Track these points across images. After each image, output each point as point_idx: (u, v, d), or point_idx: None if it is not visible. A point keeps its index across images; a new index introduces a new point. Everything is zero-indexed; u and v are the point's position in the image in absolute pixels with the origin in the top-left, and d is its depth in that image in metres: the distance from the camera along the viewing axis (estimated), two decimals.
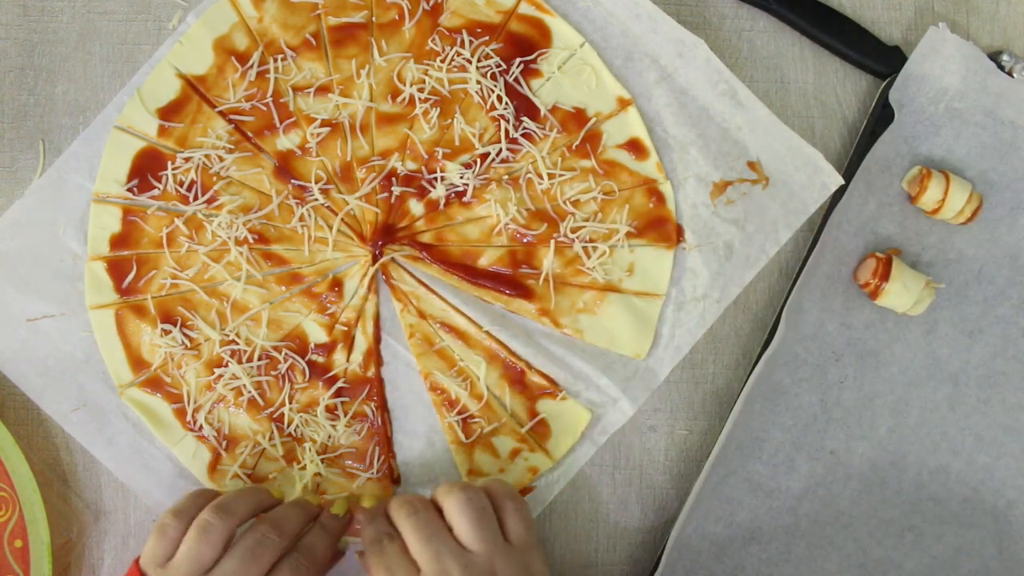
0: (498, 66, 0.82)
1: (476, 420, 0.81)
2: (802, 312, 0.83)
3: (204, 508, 0.72)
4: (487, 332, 0.81)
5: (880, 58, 0.86)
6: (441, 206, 0.82)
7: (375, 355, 0.81)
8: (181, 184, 0.80)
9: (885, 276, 0.81)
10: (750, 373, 0.81)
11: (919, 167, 0.84)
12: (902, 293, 0.81)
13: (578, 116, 0.83)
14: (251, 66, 0.81)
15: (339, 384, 0.81)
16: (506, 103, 0.82)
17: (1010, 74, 0.85)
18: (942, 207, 0.82)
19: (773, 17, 0.87)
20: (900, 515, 0.84)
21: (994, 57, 0.85)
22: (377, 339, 0.82)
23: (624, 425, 0.82)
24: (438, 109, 0.82)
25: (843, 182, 0.82)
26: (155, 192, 0.80)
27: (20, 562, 0.77)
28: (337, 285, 0.81)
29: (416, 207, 0.82)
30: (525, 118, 0.82)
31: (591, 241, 0.82)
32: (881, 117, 0.84)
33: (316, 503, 0.78)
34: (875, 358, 0.84)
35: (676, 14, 0.84)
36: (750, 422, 0.82)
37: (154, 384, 0.80)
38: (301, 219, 0.81)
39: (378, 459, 0.81)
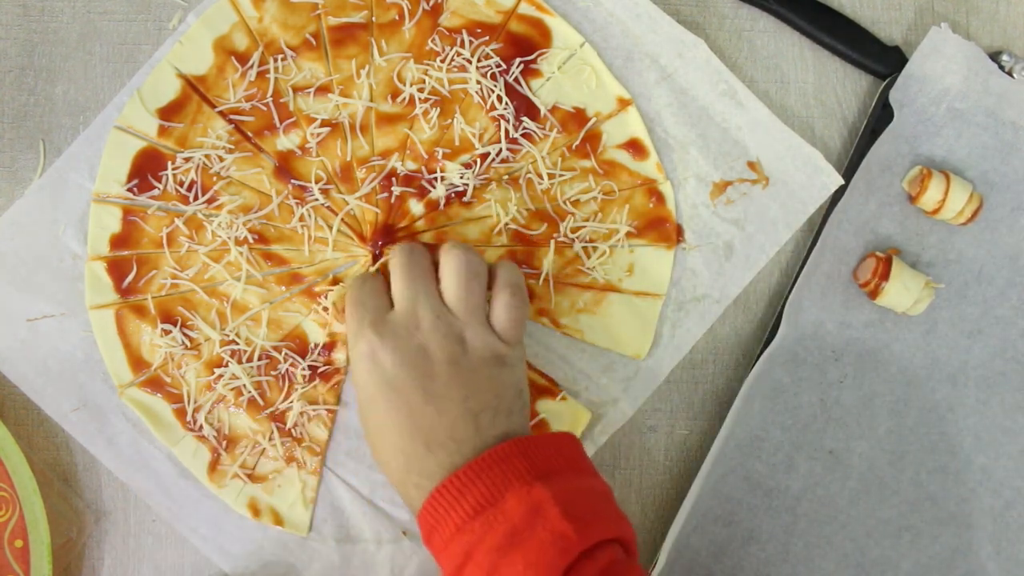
0: (498, 66, 0.82)
1: None
2: (802, 311, 0.83)
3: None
4: None
5: (880, 58, 0.86)
6: (441, 206, 0.82)
7: None
8: (181, 184, 0.80)
9: (885, 276, 0.81)
10: (750, 372, 0.81)
11: (920, 167, 0.84)
12: (902, 293, 0.81)
13: (578, 116, 0.83)
14: (251, 66, 0.81)
15: (339, 379, 0.81)
16: (506, 103, 0.82)
17: (1010, 74, 0.85)
18: (942, 207, 0.82)
19: (773, 17, 0.87)
20: (898, 515, 0.84)
21: (994, 57, 0.85)
22: None
23: (624, 425, 0.82)
24: (438, 109, 0.82)
25: (843, 182, 0.82)
26: (155, 192, 0.80)
27: (20, 562, 0.77)
28: (337, 285, 0.81)
29: (416, 207, 0.82)
30: (525, 118, 0.82)
31: (591, 241, 0.82)
32: (881, 117, 0.84)
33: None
34: (874, 358, 0.84)
35: (676, 14, 0.84)
36: (749, 421, 0.82)
37: (154, 384, 0.80)
38: (301, 219, 0.81)
39: None
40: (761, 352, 0.82)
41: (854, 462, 0.84)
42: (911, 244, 0.85)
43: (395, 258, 0.72)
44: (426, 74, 0.82)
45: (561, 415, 0.81)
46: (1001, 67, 0.85)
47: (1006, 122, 0.85)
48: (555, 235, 0.82)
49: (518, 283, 0.74)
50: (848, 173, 0.83)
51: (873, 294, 0.82)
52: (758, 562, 0.83)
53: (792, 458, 0.83)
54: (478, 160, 0.82)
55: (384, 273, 0.77)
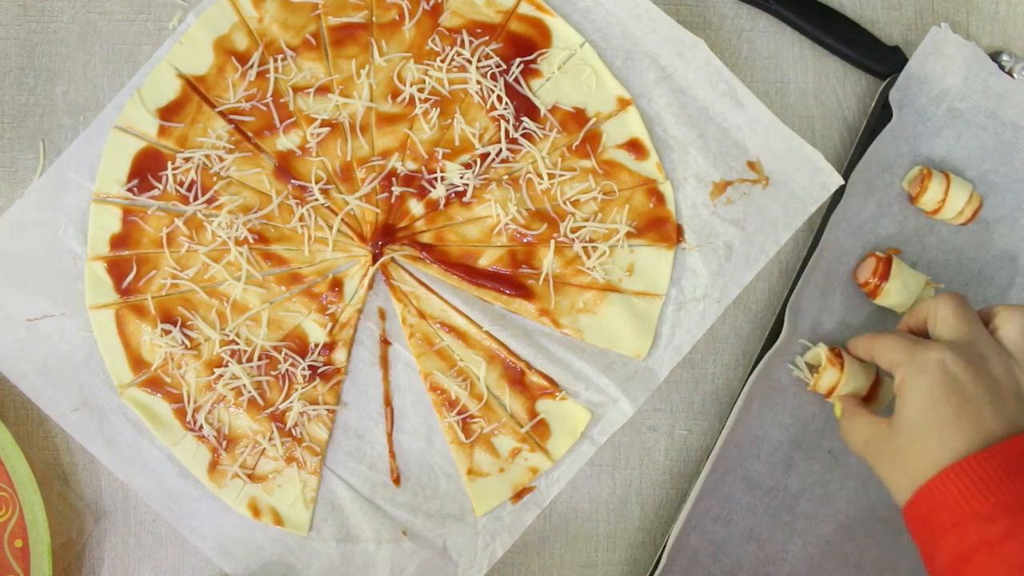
0: (498, 66, 0.82)
1: (476, 420, 0.81)
2: (802, 311, 0.83)
3: None
4: (487, 332, 0.81)
5: (880, 58, 0.86)
6: (441, 206, 0.82)
7: (383, 356, 0.82)
8: (181, 184, 0.80)
9: (885, 275, 0.81)
10: (750, 372, 0.81)
11: (920, 167, 0.84)
12: (902, 293, 0.81)
13: (578, 116, 0.83)
14: (251, 66, 0.81)
15: (339, 379, 0.81)
16: (506, 103, 0.82)
17: (1010, 74, 0.85)
18: (942, 207, 0.82)
19: (773, 17, 0.87)
20: (897, 515, 0.83)
21: (994, 57, 0.86)
22: (384, 340, 0.82)
23: (624, 425, 0.81)
24: (438, 109, 0.82)
25: (843, 182, 0.82)
26: (155, 192, 0.80)
27: (20, 562, 0.77)
28: (337, 285, 0.81)
29: (416, 207, 0.82)
30: (525, 118, 0.82)
31: (591, 241, 0.82)
32: (881, 117, 0.84)
33: None
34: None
35: (676, 14, 0.84)
36: (749, 421, 0.82)
37: (154, 384, 0.79)
38: (301, 219, 0.81)
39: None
40: (761, 352, 0.82)
41: (853, 461, 0.84)
42: (911, 244, 0.85)
43: (887, 340, 0.73)
44: (426, 74, 0.82)
45: (561, 415, 0.81)
46: (1001, 67, 0.85)
47: (1006, 122, 0.85)
48: (555, 235, 0.82)
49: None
50: (848, 173, 0.83)
51: (873, 294, 0.82)
52: (757, 561, 0.83)
53: (791, 458, 0.83)
54: (478, 160, 0.82)
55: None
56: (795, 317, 0.82)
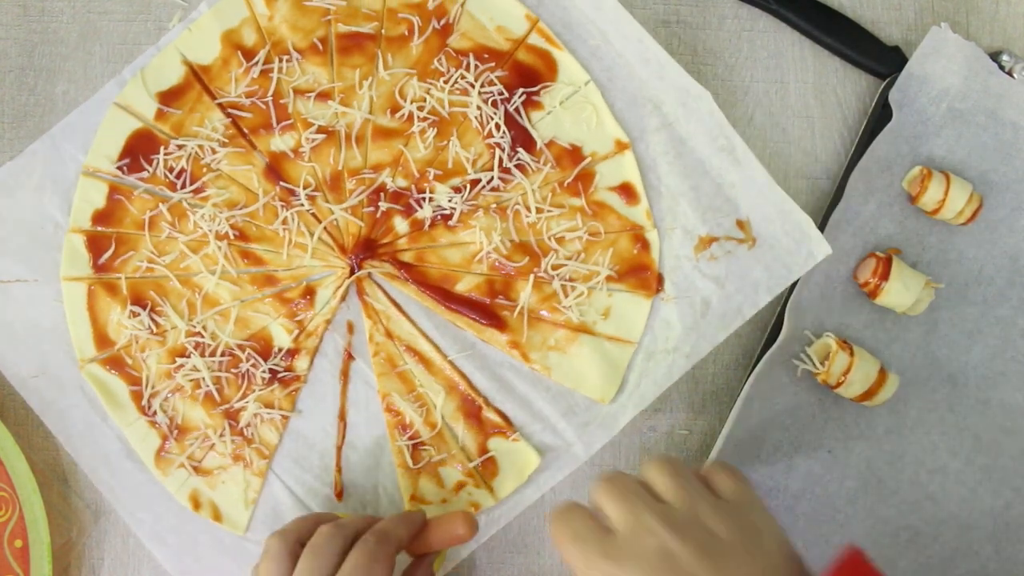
0: (500, 94, 0.82)
1: (426, 447, 0.80)
2: (802, 311, 0.83)
3: (312, 529, 0.70)
4: (451, 362, 0.81)
5: (880, 58, 0.86)
6: (426, 227, 0.82)
7: (345, 370, 0.81)
8: (171, 170, 0.81)
9: (885, 275, 0.81)
10: (750, 373, 0.81)
11: (920, 167, 0.83)
12: (902, 293, 0.81)
13: (574, 153, 0.82)
14: (256, 63, 0.82)
15: (297, 386, 0.81)
16: (504, 132, 0.82)
17: (1010, 74, 0.85)
18: (942, 207, 0.82)
19: (773, 17, 0.87)
20: (897, 514, 0.84)
21: (994, 57, 0.85)
22: (348, 354, 0.81)
23: (625, 426, 0.81)
24: (435, 130, 0.82)
25: (830, 251, 0.81)
26: (144, 174, 0.81)
27: (20, 562, 0.77)
28: (310, 293, 0.81)
29: (401, 224, 0.82)
30: (520, 149, 0.82)
31: (571, 280, 0.81)
32: (881, 117, 0.84)
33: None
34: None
35: (676, 14, 0.85)
36: (749, 421, 0.82)
37: (115, 363, 0.80)
38: (284, 222, 0.81)
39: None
40: (761, 352, 0.82)
41: (853, 462, 0.84)
42: (911, 244, 0.85)
43: (596, 488, 0.65)
44: (428, 93, 0.82)
45: (511, 455, 0.80)
46: (1001, 67, 0.85)
47: (1006, 122, 0.85)
48: (536, 270, 0.81)
49: (721, 462, 0.69)
50: (848, 173, 0.83)
51: (873, 294, 0.82)
52: None
53: (791, 457, 0.83)
54: (468, 185, 0.82)
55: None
56: (795, 317, 0.82)
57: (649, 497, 0.63)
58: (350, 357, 0.81)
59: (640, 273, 0.82)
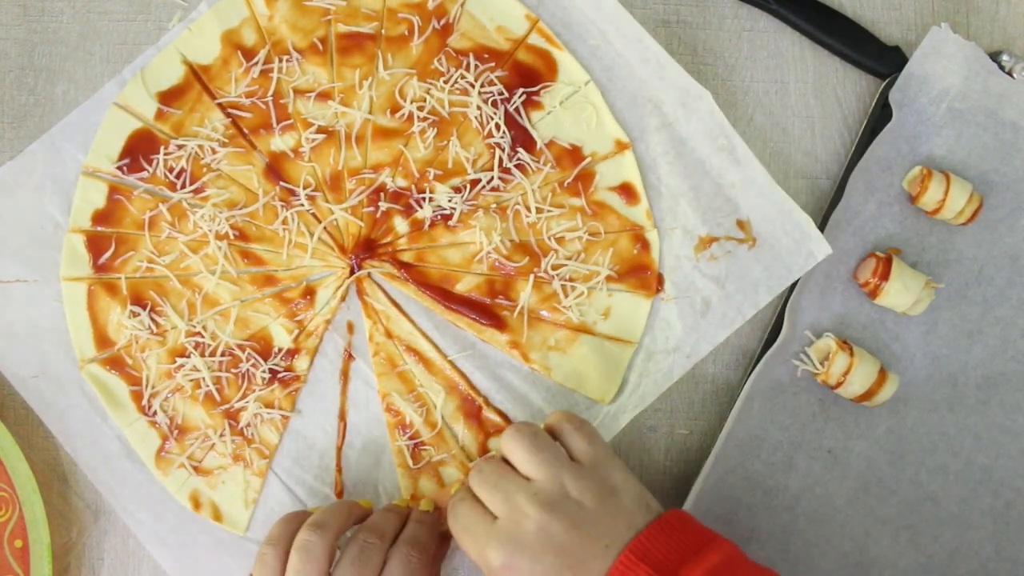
0: (500, 94, 0.82)
1: (426, 447, 0.80)
2: (802, 311, 0.83)
3: (299, 530, 0.72)
4: (450, 362, 0.81)
5: (880, 58, 0.86)
6: (426, 227, 0.82)
7: (345, 370, 0.81)
8: (171, 170, 0.81)
9: (885, 275, 0.81)
10: (750, 372, 0.81)
11: (920, 167, 0.83)
12: (902, 293, 0.81)
13: (574, 153, 0.82)
14: (256, 63, 0.82)
15: (297, 386, 0.81)
16: (504, 132, 0.82)
17: (1010, 74, 0.85)
18: (942, 207, 0.82)
19: (773, 17, 0.87)
20: (897, 514, 0.84)
21: (994, 57, 0.86)
22: (348, 354, 0.81)
23: (625, 426, 0.81)
24: (435, 130, 0.82)
25: (830, 251, 0.81)
26: (144, 174, 0.81)
27: (20, 562, 0.77)
28: (310, 293, 0.81)
29: (401, 224, 0.82)
30: (520, 149, 0.82)
31: (571, 280, 0.81)
32: (881, 117, 0.85)
33: (405, 506, 0.78)
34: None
35: (676, 14, 0.86)
36: (749, 421, 0.82)
37: (115, 363, 0.80)
38: (284, 222, 0.81)
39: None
40: (761, 352, 0.82)
41: (853, 461, 0.84)
42: (911, 244, 0.85)
43: (471, 480, 0.72)
44: (428, 93, 0.82)
45: None
46: (1001, 67, 0.85)
47: (1006, 123, 0.85)
48: (535, 270, 0.81)
49: (568, 415, 0.74)
50: (848, 173, 0.83)
51: (873, 294, 0.82)
52: (757, 561, 0.81)
53: (791, 457, 0.83)
54: (468, 185, 0.82)
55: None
56: (795, 317, 0.82)
57: (518, 479, 0.70)
58: (350, 357, 0.81)
59: (640, 273, 0.82)
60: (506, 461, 0.72)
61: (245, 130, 0.82)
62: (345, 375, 0.81)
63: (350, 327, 0.81)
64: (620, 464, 0.72)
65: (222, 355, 0.80)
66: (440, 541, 0.76)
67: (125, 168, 0.81)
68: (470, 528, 0.69)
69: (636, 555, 0.65)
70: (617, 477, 0.70)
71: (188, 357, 0.80)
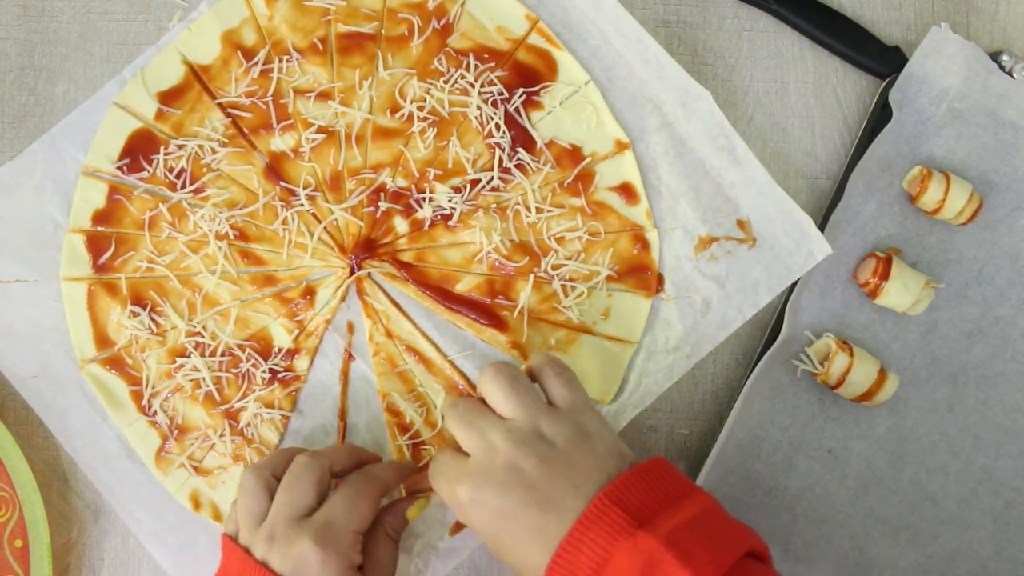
0: (500, 94, 0.82)
1: (426, 447, 0.80)
2: (802, 311, 0.83)
3: (288, 462, 0.72)
4: (450, 362, 0.81)
5: (880, 58, 0.86)
6: (426, 227, 0.82)
7: (345, 370, 0.81)
8: (171, 170, 0.81)
9: (885, 275, 0.81)
10: (750, 372, 0.81)
11: (920, 167, 0.83)
12: (902, 293, 0.81)
13: (574, 153, 0.82)
14: (256, 63, 0.82)
15: (297, 386, 0.81)
16: (504, 132, 0.82)
17: (1010, 74, 0.86)
18: (942, 207, 0.82)
19: (773, 17, 0.87)
20: (897, 514, 0.84)
21: (994, 57, 0.86)
22: (348, 354, 0.81)
23: (625, 426, 0.81)
24: (435, 130, 0.82)
25: (830, 251, 0.81)
26: (144, 174, 0.81)
27: (20, 562, 0.77)
28: (310, 293, 0.81)
29: (401, 224, 0.82)
30: (520, 149, 0.82)
31: (571, 280, 0.81)
32: (881, 117, 0.85)
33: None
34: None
35: (676, 14, 0.86)
36: (749, 421, 0.82)
37: (115, 363, 0.80)
38: (284, 222, 0.81)
39: None
40: (761, 352, 0.82)
41: (853, 461, 0.84)
42: (911, 244, 0.85)
43: (447, 419, 0.72)
44: (428, 93, 0.82)
45: None
46: (1001, 67, 0.86)
47: (1006, 122, 0.85)
48: (535, 270, 0.81)
49: (549, 359, 0.73)
50: (848, 173, 0.83)
51: (873, 294, 0.82)
52: None
53: (791, 457, 0.83)
54: (468, 185, 0.82)
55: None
56: (795, 317, 0.82)
57: (493, 417, 0.70)
58: (350, 357, 0.81)
59: (640, 273, 0.82)
60: (484, 401, 0.72)
61: (245, 130, 0.82)
62: (345, 375, 0.81)
63: (350, 327, 0.81)
64: (597, 413, 0.72)
65: (222, 355, 0.80)
66: (400, 502, 0.76)
67: (125, 168, 0.81)
68: (445, 471, 0.70)
69: (610, 498, 0.64)
70: (592, 424, 0.70)
71: (188, 357, 0.80)
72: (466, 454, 0.70)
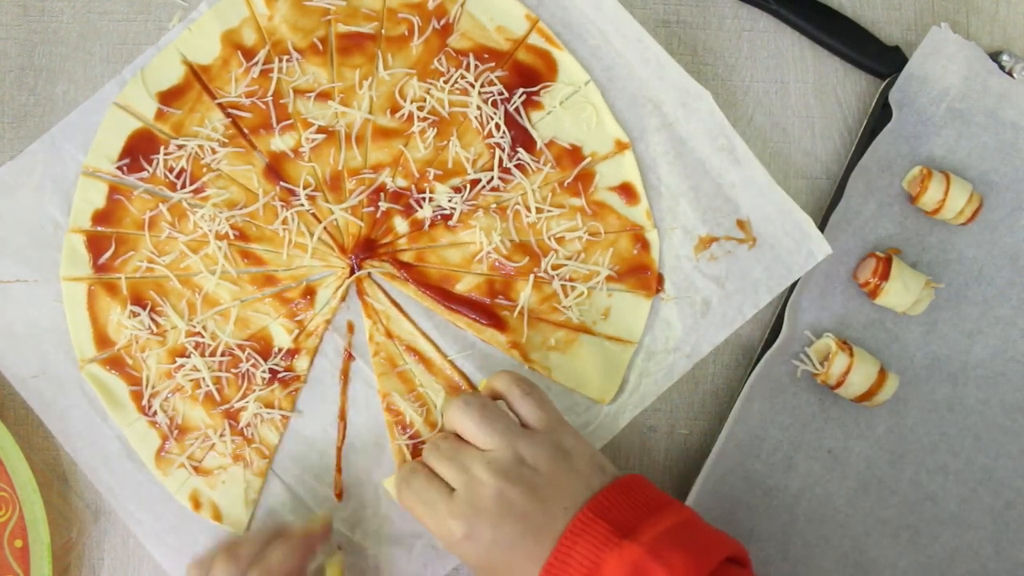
0: (500, 94, 0.82)
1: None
2: (802, 311, 0.83)
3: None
4: (450, 362, 0.81)
5: (880, 58, 0.86)
6: (426, 227, 0.82)
7: (345, 370, 0.81)
8: (171, 170, 0.81)
9: (885, 275, 0.81)
10: (750, 372, 0.81)
11: (920, 167, 0.84)
12: (902, 293, 0.81)
13: (574, 153, 0.82)
14: (256, 63, 0.82)
15: (297, 386, 0.81)
16: (504, 132, 0.82)
17: (1010, 74, 0.86)
18: (942, 207, 0.82)
19: (773, 17, 0.87)
20: (896, 515, 0.84)
21: (994, 57, 0.86)
22: (348, 354, 0.81)
23: (625, 426, 0.81)
24: (435, 130, 0.82)
25: (830, 251, 0.81)
26: (144, 174, 0.81)
27: (20, 562, 0.77)
28: (310, 293, 0.81)
29: (401, 224, 0.82)
30: (520, 149, 0.82)
31: (571, 280, 0.81)
32: (881, 117, 0.85)
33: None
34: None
35: (676, 14, 0.86)
36: (749, 421, 0.82)
37: (115, 363, 0.80)
38: (284, 222, 0.81)
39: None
40: (761, 352, 0.82)
41: (853, 461, 0.84)
42: (911, 244, 0.85)
43: (428, 456, 0.73)
44: (428, 93, 0.82)
45: None
46: (1001, 67, 0.86)
47: (1006, 122, 0.85)
48: (535, 270, 0.81)
49: (516, 379, 0.74)
50: (848, 173, 0.83)
51: (873, 294, 0.82)
52: (757, 560, 0.82)
53: (791, 457, 0.83)
54: (468, 185, 0.82)
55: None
56: (795, 317, 0.82)
57: (472, 451, 0.71)
58: (350, 357, 0.81)
59: (640, 273, 0.82)
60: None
61: (245, 130, 0.82)
62: (345, 375, 0.81)
63: (350, 327, 0.81)
64: (570, 428, 0.73)
65: (222, 355, 0.80)
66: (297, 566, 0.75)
67: (125, 168, 0.81)
68: (428, 501, 0.70)
69: (594, 512, 0.66)
70: (569, 441, 0.72)
71: (188, 357, 0.80)
72: (442, 481, 0.71)
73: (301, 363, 0.80)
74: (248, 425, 0.80)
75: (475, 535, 0.68)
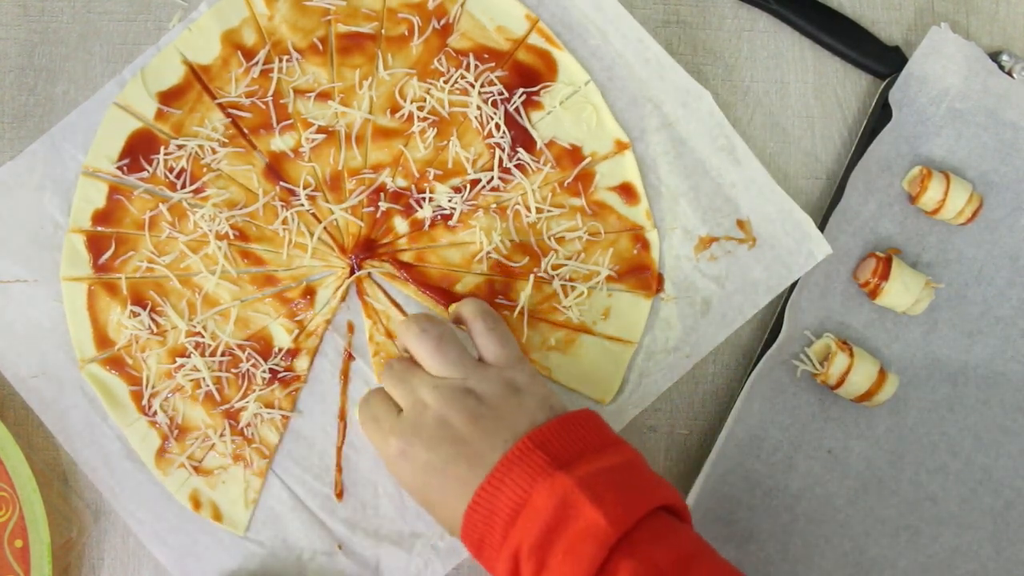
0: (500, 94, 0.82)
1: None
2: (802, 311, 0.83)
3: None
4: None
5: (880, 58, 0.86)
6: (426, 227, 0.82)
7: (345, 369, 0.81)
8: (171, 170, 0.81)
9: (885, 275, 0.81)
10: (750, 372, 0.81)
11: (920, 167, 0.84)
12: (902, 293, 0.81)
13: (574, 153, 0.82)
14: (256, 63, 0.82)
15: (297, 386, 0.81)
16: (504, 132, 0.82)
17: (1010, 74, 0.86)
18: (942, 207, 0.82)
19: (773, 17, 0.87)
20: (897, 514, 0.84)
21: (994, 57, 0.86)
22: (349, 354, 0.81)
23: (625, 426, 0.81)
24: (435, 130, 0.82)
25: (830, 251, 0.81)
26: (144, 174, 0.81)
27: (20, 562, 0.77)
28: (310, 293, 0.81)
29: (401, 224, 0.82)
30: (520, 149, 0.82)
31: (571, 280, 0.81)
32: (881, 117, 0.85)
33: None
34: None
35: (676, 13, 0.86)
36: (749, 421, 0.82)
37: (115, 363, 0.80)
38: (284, 222, 0.81)
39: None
40: (761, 352, 0.82)
41: (853, 461, 0.84)
42: (911, 244, 0.85)
43: (383, 376, 0.74)
44: (428, 93, 0.82)
45: None
46: (1001, 67, 0.86)
47: (1006, 122, 0.85)
48: (535, 270, 0.81)
49: (481, 310, 0.74)
50: (848, 173, 0.83)
51: (873, 294, 0.82)
52: (757, 561, 0.82)
53: (791, 457, 0.83)
54: (468, 185, 0.82)
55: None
56: (795, 317, 0.82)
57: (423, 374, 0.72)
58: (350, 357, 0.81)
59: (640, 273, 0.82)
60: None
61: (245, 130, 0.82)
62: (345, 375, 0.81)
63: (350, 327, 0.81)
64: (529, 367, 0.73)
65: (222, 355, 0.80)
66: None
67: (125, 168, 0.80)
68: (376, 418, 0.72)
69: (534, 442, 0.66)
70: (523, 379, 0.72)
71: (188, 357, 0.79)
72: (394, 402, 0.72)
73: (301, 363, 0.80)
74: (248, 425, 0.80)
75: (411, 454, 0.69)
